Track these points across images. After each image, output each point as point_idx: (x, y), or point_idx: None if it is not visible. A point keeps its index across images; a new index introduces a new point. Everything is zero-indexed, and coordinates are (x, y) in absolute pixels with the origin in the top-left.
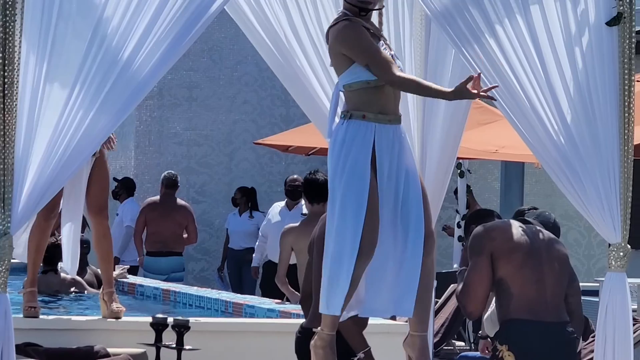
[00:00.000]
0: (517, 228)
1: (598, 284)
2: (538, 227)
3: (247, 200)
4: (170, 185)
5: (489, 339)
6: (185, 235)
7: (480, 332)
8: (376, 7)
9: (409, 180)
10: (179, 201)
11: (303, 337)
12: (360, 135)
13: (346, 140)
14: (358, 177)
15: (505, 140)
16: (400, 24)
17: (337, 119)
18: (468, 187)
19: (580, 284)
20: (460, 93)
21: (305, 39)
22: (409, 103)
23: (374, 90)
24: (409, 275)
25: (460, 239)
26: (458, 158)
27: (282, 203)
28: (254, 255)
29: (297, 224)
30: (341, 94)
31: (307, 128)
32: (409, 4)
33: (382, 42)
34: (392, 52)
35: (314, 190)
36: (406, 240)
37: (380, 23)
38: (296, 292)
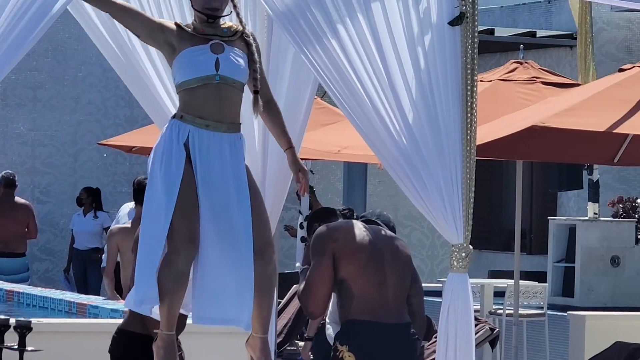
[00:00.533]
0: (360, 229)
1: (441, 285)
2: (381, 227)
3: (92, 200)
4: (8, 184)
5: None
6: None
7: (306, 334)
8: (223, 14)
9: (238, 190)
10: (19, 200)
11: (118, 338)
12: (174, 135)
13: (165, 138)
14: (169, 174)
15: (348, 141)
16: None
17: None
18: (311, 187)
19: (424, 284)
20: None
21: None
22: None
23: (189, 91)
24: (244, 287)
25: (303, 239)
26: (301, 159)
27: (132, 204)
28: (103, 255)
29: (126, 225)
30: None
31: (150, 129)
32: (251, 4)
33: (204, 45)
34: (222, 55)
35: (140, 191)
36: (238, 252)
37: (241, 23)
38: (117, 294)
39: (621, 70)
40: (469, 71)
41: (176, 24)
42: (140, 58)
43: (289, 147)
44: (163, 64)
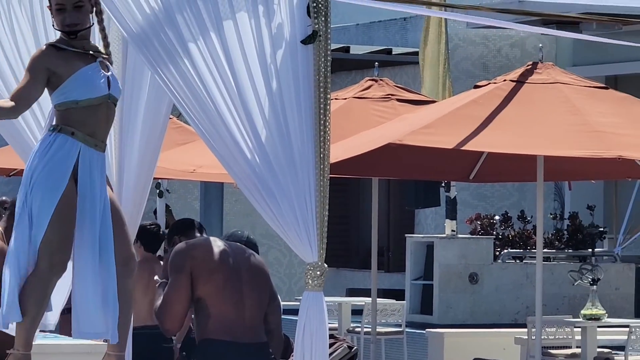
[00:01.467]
0: (219, 247)
1: (299, 303)
2: (241, 246)
3: None
4: None
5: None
6: None
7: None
8: (84, 28)
9: (106, 209)
10: None
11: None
12: (65, 150)
13: (49, 151)
14: (50, 188)
15: (203, 160)
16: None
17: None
18: (167, 206)
19: (282, 303)
20: None
21: (3, 64)
22: None
23: (84, 110)
24: (110, 300)
25: (159, 257)
26: (156, 178)
27: None
28: None
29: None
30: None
31: (6, 149)
32: (106, 25)
33: (95, 63)
34: (109, 74)
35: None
36: (103, 266)
37: (104, 41)
38: None
39: (477, 87)
40: (321, 90)
41: (50, 45)
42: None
43: None
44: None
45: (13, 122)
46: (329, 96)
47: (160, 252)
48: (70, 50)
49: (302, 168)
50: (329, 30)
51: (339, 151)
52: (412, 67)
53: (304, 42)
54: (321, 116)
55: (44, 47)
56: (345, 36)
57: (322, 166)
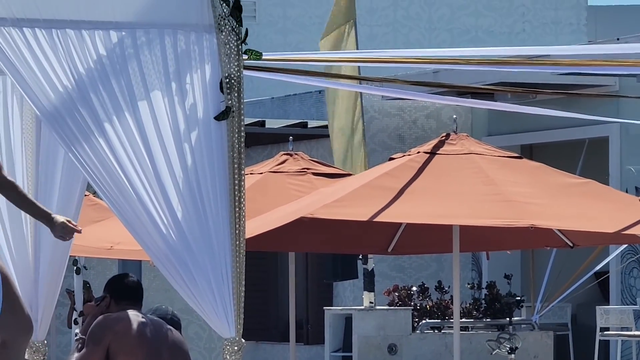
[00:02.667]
0: (141, 323)
1: None
2: (162, 322)
3: None
4: None
5: None
6: None
7: None
8: None
9: None
10: None
11: None
12: None
13: None
14: None
15: (120, 237)
16: (10, 124)
17: None
18: (85, 282)
19: None
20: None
21: None
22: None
23: None
24: None
25: (77, 335)
26: (73, 255)
27: None
28: None
29: None
30: None
31: None
32: (19, 103)
33: None
34: None
35: None
36: None
37: None
38: None
39: (391, 159)
40: (235, 165)
41: None
42: None
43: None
44: None
45: None
46: (243, 172)
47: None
48: None
49: (218, 244)
50: (242, 106)
51: (255, 226)
52: (328, 140)
53: (217, 118)
54: (236, 192)
55: None
56: (261, 110)
57: (238, 242)
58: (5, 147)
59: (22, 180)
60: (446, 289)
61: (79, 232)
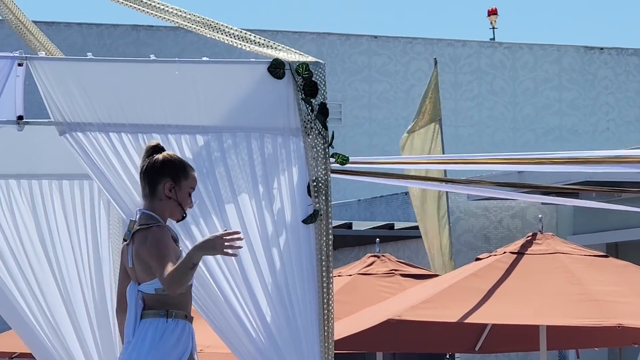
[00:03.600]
0: None
1: None
2: None
3: None
4: None
5: None
6: None
7: None
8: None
9: None
10: None
11: None
12: (185, 335)
13: (171, 338)
14: None
15: (209, 340)
16: (97, 228)
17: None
18: None
19: None
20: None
21: (4, 246)
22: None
23: (187, 291)
24: None
25: None
26: None
27: None
28: None
29: None
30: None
31: (9, 333)
32: (105, 207)
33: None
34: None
35: None
36: None
37: None
38: None
39: (478, 259)
40: (324, 268)
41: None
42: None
43: None
44: (18, 269)
45: (15, 305)
46: (331, 274)
47: None
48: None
49: (307, 346)
50: (330, 208)
51: (343, 328)
52: (415, 241)
53: (306, 221)
54: (324, 294)
55: (161, 228)
56: (348, 212)
57: (326, 344)
58: (93, 251)
59: (109, 282)
60: None
61: (238, 232)
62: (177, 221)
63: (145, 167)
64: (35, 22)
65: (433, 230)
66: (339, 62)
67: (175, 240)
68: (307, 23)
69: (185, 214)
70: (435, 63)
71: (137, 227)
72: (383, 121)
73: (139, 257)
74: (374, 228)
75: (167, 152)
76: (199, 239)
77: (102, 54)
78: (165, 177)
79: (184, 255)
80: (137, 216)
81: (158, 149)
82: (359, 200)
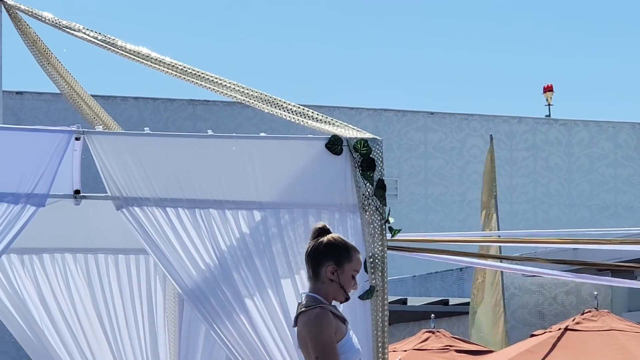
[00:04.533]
0: None
1: None
2: None
3: None
4: None
5: None
6: None
7: None
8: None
9: None
10: None
11: None
12: None
13: None
14: None
15: None
16: (153, 302)
17: None
18: None
19: None
20: None
21: (59, 320)
22: None
23: None
24: None
25: None
26: None
27: None
28: None
29: None
30: None
31: None
32: (161, 281)
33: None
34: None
35: None
36: None
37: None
38: None
39: (533, 335)
40: (379, 344)
41: (329, 309)
42: (52, 336)
43: None
44: (70, 335)
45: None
46: (387, 349)
47: None
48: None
49: None
50: (386, 285)
51: None
52: (469, 317)
53: (362, 297)
54: None
55: (324, 311)
56: (403, 288)
57: None
58: (149, 325)
59: (165, 356)
60: None
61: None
62: (341, 302)
63: (310, 249)
64: (92, 96)
65: (487, 306)
66: (395, 138)
67: (343, 320)
68: (364, 99)
69: (349, 296)
70: (491, 139)
71: (300, 309)
72: (439, 197)
73: (303, 340)
74: (428, 304)
75: (332, 235)
76: (255, 314)
77: (158, 128)
78: (329, 260)
79: (350, 335)
80: (302, 298)
81: (324, 231)
82: (414, 276)
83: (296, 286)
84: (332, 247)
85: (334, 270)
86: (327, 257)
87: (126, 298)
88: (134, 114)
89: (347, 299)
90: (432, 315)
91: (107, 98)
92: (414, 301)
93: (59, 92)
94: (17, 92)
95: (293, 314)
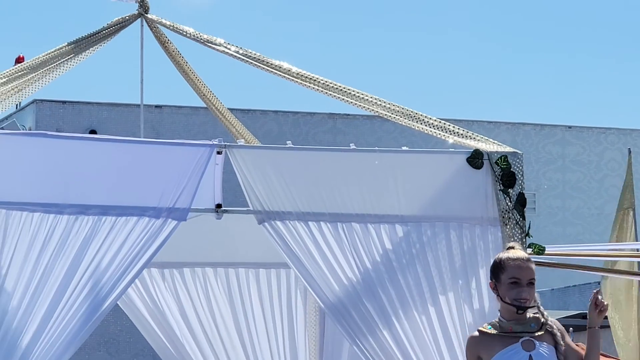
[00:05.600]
0: None
1: None
2: None
3: None
4: None
5: None
6: None
7: None
8: (531, 305)
9: None
10: None
11: None
12: None
13: None
14: None
15: None
16: (294, 317)
17: None
18: None
19: None
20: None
21: (199, 333)
22: None
23: None
24: None
25: None
26: None
27: None
28: None
29: None
30: None
31: None
32: (302, 296)
33: (516, 344)
34: (533, 351)
35: None
36: None
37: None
38: None
39: None
40: None
41: (479, 331)
42: (192, 350)
43: None
44: (211, 351)
45: None
46: None
47: None
48: (495, 334)
49: None
50: None
51: None
52: (608, 331)
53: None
54: None
55: (475, 333)
56: (541, 301)
57: None
58: (289, 339)
59: None
60: None
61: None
62: (517, 313)
63: None
64: (231, 110)
65: (627, 321)
66: (533, 152)
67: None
68: (502, 113)
69: (518, 307)
70: (630, 153)
71: None
72: (576, 211)
73: None
74: (567, 317)
75: (499, 254)
76: (400, 331)
77: (298, 141)
78: (491, 279)
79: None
80: None
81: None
82: (552, 289)
83: (437, 302)
84: (492, 265)
85: (493, 285)
86: (491, 276)
87: (267, 312)
88: (273, 128)
89: (520, 310)
90: (571, 328)
91: (247, 112)
92: (553, 315)
93: (198, 105)
94: (156, 106)
95: (438, 331)
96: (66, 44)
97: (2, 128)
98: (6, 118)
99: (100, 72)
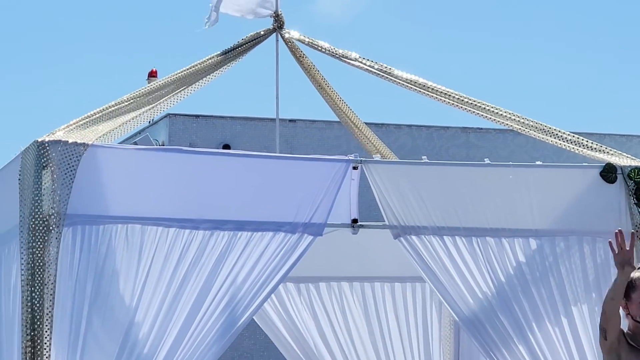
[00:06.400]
0: None
1: None
2: None
3: None
4: None
5: None
6: None
7: None
8: None
9: None
10: None
11: None
12: None
13: None
14: None
15: None
16: (429, 327)
17: None
18: None
19: None
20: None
21: (335, 347)
22: None
23: None
24: None
25: None
26: None
27: None
28: None
29: None
30: None
31: None
32: (437, 309)
33: None
34: None
35: None
36: None
37: None
38: None
39: None
40: None
41: (622, 333)
42: None
43: None
44: None
45: None
46: None
47: None
48: (628, 342)
49: None
50: None
51: None
52: None
53: None
54: None
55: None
56: None
57: None
58: (424, 352)
59: None
60: None
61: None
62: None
63: None
64: (366, 124)
65: None
66: None
67: None
68: (635, 125)
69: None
70: None
71: None
72: None
73: None
74: None
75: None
76: (534, 344)
77: (432, 155)
78: (623, 299)
79: None
80: None
81: None
82: None
83: (571, 315)
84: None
85: (624, 305)
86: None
87: (402, 325)
88: (407, 142)
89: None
90: None
91: (381, 126)
92: None
93: (331, 120)
94: (290, 120)
95: (571, 343)
96: (202, 60)
97: (136, 142)
98: (139, 132)
99: (233, 86)
